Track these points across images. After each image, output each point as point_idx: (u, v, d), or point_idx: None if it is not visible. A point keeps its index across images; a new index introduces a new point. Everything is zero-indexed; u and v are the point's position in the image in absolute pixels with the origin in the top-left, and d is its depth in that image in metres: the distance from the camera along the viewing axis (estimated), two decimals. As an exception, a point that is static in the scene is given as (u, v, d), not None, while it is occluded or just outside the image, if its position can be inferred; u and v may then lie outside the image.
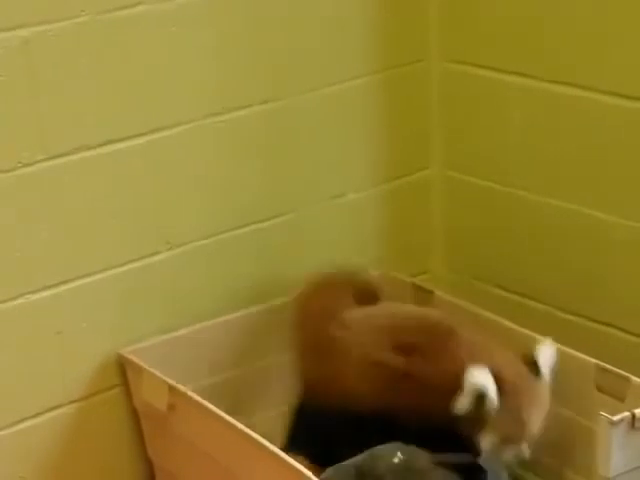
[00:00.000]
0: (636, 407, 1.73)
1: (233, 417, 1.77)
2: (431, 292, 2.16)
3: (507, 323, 2.04)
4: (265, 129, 2.09)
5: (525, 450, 1.75)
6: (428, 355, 1.75)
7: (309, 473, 1.62)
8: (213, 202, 2.07)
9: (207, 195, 2.06)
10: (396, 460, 1.67)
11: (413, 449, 1.73)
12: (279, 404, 2.08)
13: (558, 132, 2.11)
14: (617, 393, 1.83)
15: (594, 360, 1.88)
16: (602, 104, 2.01)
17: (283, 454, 1.68)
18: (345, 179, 2.22)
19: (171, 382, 1.86)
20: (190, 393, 1.83)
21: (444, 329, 1.79)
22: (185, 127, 1.99)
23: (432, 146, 2.31)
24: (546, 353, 1.81)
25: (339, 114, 2.17)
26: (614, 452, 1.73)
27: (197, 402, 1.81)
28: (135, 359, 1.94)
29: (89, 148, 1.89)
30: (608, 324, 2.09)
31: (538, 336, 1.96)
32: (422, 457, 1.70)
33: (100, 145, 1.90)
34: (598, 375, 1.86)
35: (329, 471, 1.71)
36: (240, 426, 1.75)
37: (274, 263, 2.16)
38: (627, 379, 1.82)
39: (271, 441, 1.73)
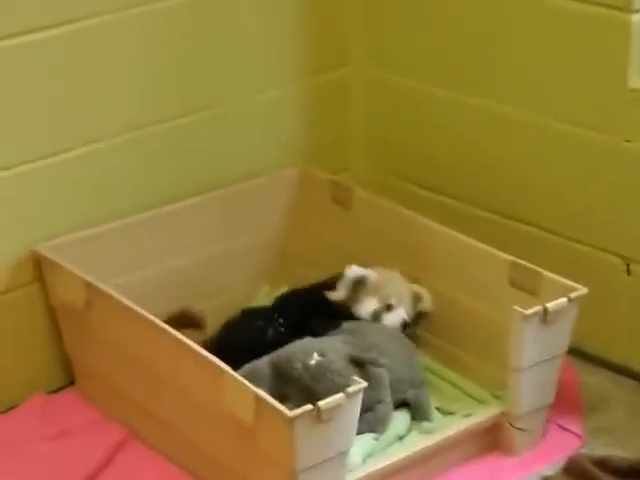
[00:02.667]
0: (548, 301, 1.77)
1: (158, 314, 1.77)
2: (350, 189, 2.17)
3: (426, 221, 2.05)
4: (186, 21, 2.05)
5: (404, 314, 1.97)
6: None
7: (228, 368, 1.63)
8: (132, 97, 2.03)
9: (126, 90, 2.02)
10: (313, 362, 1.69)
11: (330, 345, 1.75)
12: (200, 301, 2.09)
13: (479, 28, 2.10)
14: (530, 288, 1.86)
15: (508, 256, 1.91)
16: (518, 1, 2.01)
17: (200, 349, 1.68)
18: (266, 74, 2.20)
19: (88, 278, 1.85)
20: (106, 289, 1.83)
21: None
22: (104, 18, 1.95)
23: (352, 43, 2.29)
24: None
25: (260, 7, 2.14)
26: (526, 345, 1.77)
27: (114, 298, 1.81)
28: (51, 255, 1.92)
29: (2, 38, 1.85)
30: (522, 221, 2.11)
31: (454, 233, 1.99)
32: (338, 356, 1.72)
33: (15, 35, 1.86)
34: (511, 270, 1.89)
35: (246, 368, 1.72)
36: (157, 322, 1.75)
37: (194, 159, 2.15)
38: (539, 274, 1.85)
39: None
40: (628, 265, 1.99)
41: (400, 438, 1.84)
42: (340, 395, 1.58)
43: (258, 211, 2.19)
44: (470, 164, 2.19)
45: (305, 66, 2.25)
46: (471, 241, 1.96)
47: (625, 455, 1.81)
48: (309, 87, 2.26)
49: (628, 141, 1.94)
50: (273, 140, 2.24)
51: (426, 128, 2.25)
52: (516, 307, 1.75)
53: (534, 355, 1.79)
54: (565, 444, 1.88)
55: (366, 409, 1.73)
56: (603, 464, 1.77)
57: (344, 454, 1.63)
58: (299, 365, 1.69)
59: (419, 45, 2.21)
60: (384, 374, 1.82)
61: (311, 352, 1.69)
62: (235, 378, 1.60)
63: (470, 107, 2.15)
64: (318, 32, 2.24)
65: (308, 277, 2.13)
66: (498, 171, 2.14)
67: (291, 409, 1.56)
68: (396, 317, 1.97)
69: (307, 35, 2.23)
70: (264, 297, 2.18)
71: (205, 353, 1.67)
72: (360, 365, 1.78)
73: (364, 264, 2.02)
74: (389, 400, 1.83)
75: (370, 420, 1.79)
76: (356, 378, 1.61)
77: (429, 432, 1.85)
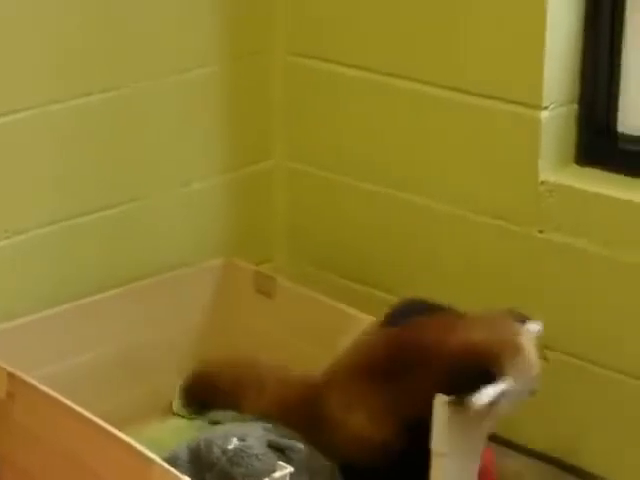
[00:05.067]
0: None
1: (82, 405, 1.77)
2: (273, 278, 2.21)
3: (349, 310, 2.10)
4: (107, 117, 2.09)
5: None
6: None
7: (153, 456, 1.64)
8: (54, 190, 2.06)
9: (47, 183, 2.05)
10: (231, 446, 1.70)
11: (250, 430, 1.76)
12: (123, 392, 2.10)
13: (396, 124, 2.18)
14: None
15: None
16: (437, 98, 2.09)
17: (126, 438, 1.69)
18: (189, 168, 2.24)
19: (10, 369, 1.84)
20: (30, 380, 1.82)
21: None
22: (23, 114, 1.98)
23: (274, 137, 2.35)
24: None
25: (182, 103, 2.19)
26: (448, 430, 1.80)
27: (38, 389, 1.80)
28: (-29, 348, 1.92)
29: None
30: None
31: (377, 320, 2.03)
32: (257, 441, 1.73)
33: None
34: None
35: (165, 454, 1.72)
36: (82, 412, 1.74)
37: (118, 251, 2.17)
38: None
39: (120, 426, 1.74)
40: (543, 351, 2.04)
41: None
42: (266, 481, 1.59)
43: (182, 301, 2.21)
44: (389, 254, 2.24)
45: (228, 160, 2.30)
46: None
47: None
48: (232, 180, 2.31)
49: (541, 232, 2.01)
50: (197, 231, 2.28)
51: (346, 219, 2.30)
52: (438, 393, 1.79)
53: (455, 439, 1.82)
54: (486, 528, 1.90)
55: (284, 494, 1.74)
56: None
57: (270, 541, 1.64)
58: (217, 450, 1.69)
59: (339, 140, 2.27)
60: (303, 459, 1.81)
61: (230, 437, 1.70)
62: (164, 467, 1.61)
63: (389, 199, 2.21)
64: (240, 127, 2.30)
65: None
66: (418, 261, 2.20)
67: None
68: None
69: (230, 130, 2.28)
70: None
71: (133, 442, 1.67)
72: (279, 450, 1.78)
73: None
74: (308, 485, 1.85)
75: (289, 505, 1.79)
76: (281, 463, 1.63)
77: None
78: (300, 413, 1.90)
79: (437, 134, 2.11)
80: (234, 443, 1.68)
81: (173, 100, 2.18)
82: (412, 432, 1.78)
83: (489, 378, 1.68)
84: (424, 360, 1.77)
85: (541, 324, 1.82)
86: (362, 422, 1.83)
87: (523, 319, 1.80)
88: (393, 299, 2.22)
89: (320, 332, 2.12)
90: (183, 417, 2.15)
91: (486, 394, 1.67)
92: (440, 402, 1.78)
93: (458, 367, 1.71)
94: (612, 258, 1.94)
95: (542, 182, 1.99)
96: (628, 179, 1.96)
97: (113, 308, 2.12)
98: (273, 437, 1.76)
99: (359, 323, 2.05)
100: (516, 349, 1.72)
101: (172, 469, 1.61)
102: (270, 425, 1.85)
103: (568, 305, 2.01)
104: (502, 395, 1.69)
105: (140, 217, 2.18)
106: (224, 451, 1.68)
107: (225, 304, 2.26)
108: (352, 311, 2.09)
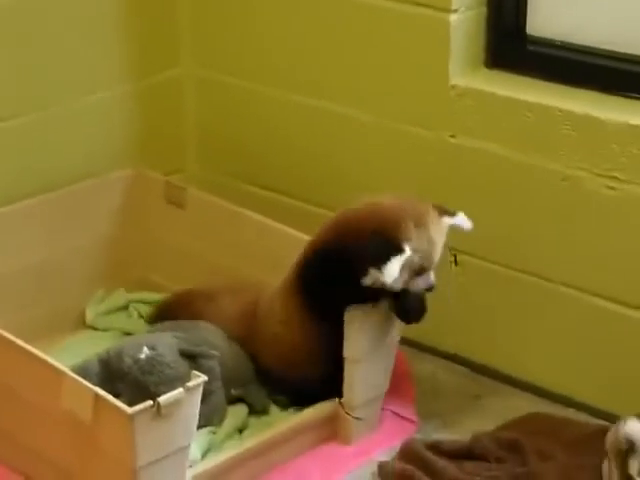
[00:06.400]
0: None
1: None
2: (184, 189, 2.19)
3: (260, 218, 2.09)
4: (8, 25, 2.03)
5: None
6: None
7: (63, 367, 1.62)
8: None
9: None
10: (143, 356, 1.69)
11: (160, 339, 1.75)
12: (36, 306, 2.08)
13: (305, 30, 2.14)
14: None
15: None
16: (346, 1, 2.06)
17: (36, 351, 1.67)
18: (95, 76, 2.19)
19: None
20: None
21: None
22: None
23: (182, 44, 2.31)
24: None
25: (86, 9, 2.14)
26: (359, 338, 1.82)
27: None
28: None
29: None
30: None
31: (286, 228, 2.02)
32: (168, 350, 1.72)
33: None
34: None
35: (74, 367, 1.71)
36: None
37: (24, 162, 2.12)
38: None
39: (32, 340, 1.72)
40: (455, 256, 2.06)
41: (239, 431, 1.86)
42: (179, 390, 1.59)
43: (91, 213, 2.18)
44: (299, 161, 2.23)
45: (134, 68, 2.25)
46: (303, 236, 1.99)
47: (455, 437, 1.87)
48: (139, 88, 2.27)
49: (452, 136, 2.01)
50: (106, 142, 2.23)
51: (255, 127, 2.28)
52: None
53: (367, 346, 1.84)
54: (400, 430, 1.93)
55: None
56: (435, 447, 1.83)
57: (185, 449, 1.64)
58: (129, 359, 1.69)
59: (246, 46, 2.24)
60: (215, 366, 1.83)
61: (141, 346, 1.69)
62: (73, 378, 1.60)
63: (298, 105, 2.19)
64: (146, 34, 2.25)
65: (145, 279, 2.12)
66: (327, 168, 2.19)
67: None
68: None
69: (136, 37, 2.23)
70: (99, 301, 2.17)
71: (43, 355, 1.65)
72: (191, 358, 1.78)
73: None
74: (221, 391, 1.85)
75: (204, 412, 1.78)
76: (195, 372, 1.62)
77: (267, 424, 1.87)
78: (241, 324, 1.95)
79: (347, 39, 2.09)
80: (145, 352, 1.68)
81: (77, 6, 2.11)
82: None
83: (392, 248, 1.72)
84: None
85: (470, 222, 1.84)
86: (279, 319, 1.89)
87: (447, 212, 1.83)
88: (304, 206, 2.22)
89: (232, 241, 2.11)
90: (96, 329, 2.13)
91: (394, 266, 1.70)
92: (351, 314, 1.79)
93: (366, 238, 1.74)
94: (523, 162, 1.95)
95: (453, 86, 1.99)
96: (537, 82, 1.97)
97: (21, 221, 2.08)
98: (184, 345, 1.76)
99: (271, 231, 2.05)
100: (419, 219, 1.77)
101: (82, 380, 1.59)
102: (180, 334, 1.84)
103: (480, 209, 2.02)
104: (405, 268, 1.72)
105: (45, 127, 2.13)
106: (135, 360, 1.67)
107: (136, 215, 2.23)
108: (263, 219, 2.08)
